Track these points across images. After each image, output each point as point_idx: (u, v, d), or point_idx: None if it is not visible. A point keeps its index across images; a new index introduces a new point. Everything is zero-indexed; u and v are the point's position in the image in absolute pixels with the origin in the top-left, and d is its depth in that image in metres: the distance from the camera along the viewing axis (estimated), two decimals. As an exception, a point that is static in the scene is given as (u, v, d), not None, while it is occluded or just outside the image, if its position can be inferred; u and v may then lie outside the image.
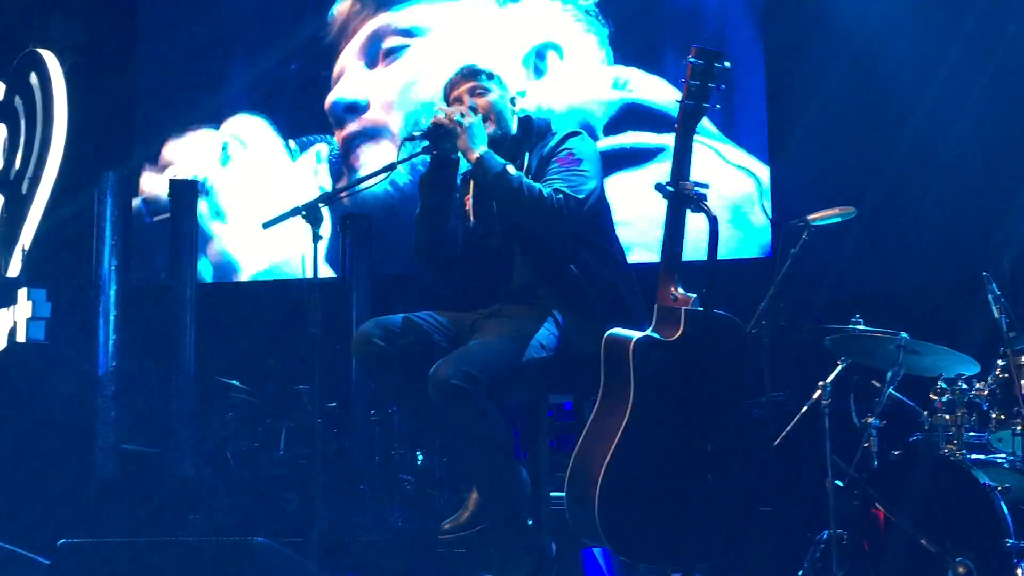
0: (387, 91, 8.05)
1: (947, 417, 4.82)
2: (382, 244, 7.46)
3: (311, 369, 4.24)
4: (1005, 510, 4.45)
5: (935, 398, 4.90)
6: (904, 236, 6.77)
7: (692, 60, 3.89)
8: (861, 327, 5.15)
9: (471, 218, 4.28)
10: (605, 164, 4.32)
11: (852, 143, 7.00)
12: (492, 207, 4.18)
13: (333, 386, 6.69)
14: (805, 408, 5.35)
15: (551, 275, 4.09)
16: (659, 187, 3.90)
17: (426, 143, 4.08)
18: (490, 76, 4.24)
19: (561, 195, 3.95)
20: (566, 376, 4.04)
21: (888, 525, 4.78)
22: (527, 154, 4.19)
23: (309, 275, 4.06)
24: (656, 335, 3.82)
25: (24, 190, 7.75)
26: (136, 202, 8.29)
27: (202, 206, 8.09)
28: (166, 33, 8.52)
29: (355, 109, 8.10)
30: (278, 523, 6.44)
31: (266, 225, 4.06)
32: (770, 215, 7.31)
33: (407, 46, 8.06)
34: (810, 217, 5.18)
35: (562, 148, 4.11)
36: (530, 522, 4.01)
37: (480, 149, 3.99)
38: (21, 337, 6.90)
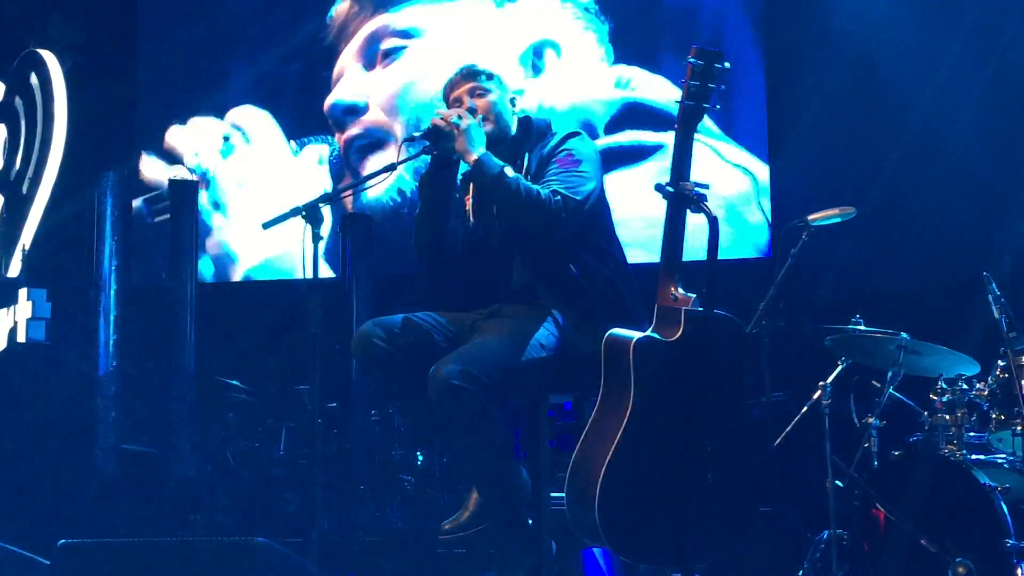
0: (386, 93, 8.05)
1: (947, 417, 4.82)
2: (382, 244, 7.47)
3: (311, 369, 4.24)
4: (1005, 510, 4.46)
5: (935, 398, 4.90)
6: (904, 236, 6.77)
7: (692, 60, 3.89)
8: (861, 327, 5.16)
9: (471, 218, 4.28)
10: (602, 162, 4.32)
11: (852, 143, 7.00)
12: (492, 208, 4.18)
13: (333, 386, 6.69)
14: (805, 408, 5.35)
15: (551, 275, 4.09)
16: (659, 187, 3.90)
17: (426, 143, 4.08)
18: (489, 76, 4.24)
19: (559, 197, 3.95)
20: (566, 376, 4.04)
21: (888, 525, 4.78)
22: (527, 154, 4.19)
23: (308, 272, 4.06)
24: (656, 335, 3.82)
25: (24, 190, 7.74)
26: (136, 202, 8.29)
27: (202, 197, 8.10)
28: (166, 33, 8.52)
29: (354, 111, 8.10)
30: (278, 523, 6.44)
31: (266, 225, 4.06)
32: (767, 214, 7.31)
33: (405, 47, 8.07)
34: (810, 217, 5.18)
35: (561, 149, 4.11)
36: (530, 522, 4.01)
37: (478, 151, 3.99)
38: (21, 337, 6.90)
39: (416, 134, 4.12)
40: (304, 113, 8.23)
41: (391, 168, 4.19)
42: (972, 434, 4.85)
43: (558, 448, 5.30)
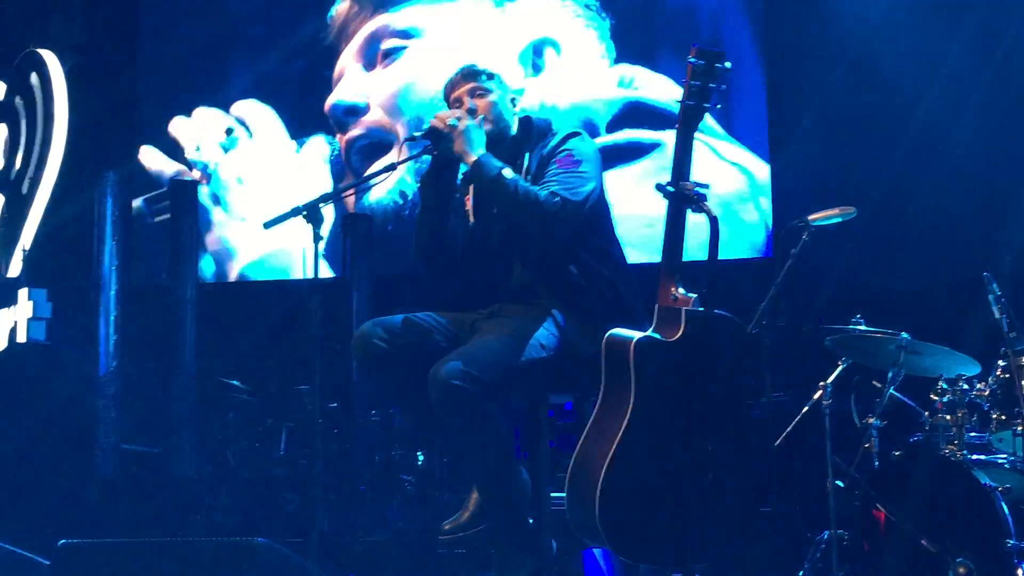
0: (386, 93, 8.04)
1: (948, 417, 4.82)
2: (383, 244, 7.47)
3: (311, 369, 4.24)
4: (1006, 510, 4.45)
5: (936, 398, 4.90)
6: (905, 236, 6.77)
7: (692, 60, 3.89)
8: (862, 327, 5.15)
9: (471, 218, 4.28)
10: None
11: (852, 143, 7.00)
12: (492, 208, 4.18)
13: (334, 386, 6.69)
14: (806, 408, 5.35)
15: (551, 275, 4.09)
16: (659, 187, 3.90)
17: (427, 144, 4.08)
18: (490, 76, 4.23)
19: (558, 198, 3.95)
20: (566, 376, 4.04)
21: (889, 525, 4.78)
22: (527, 154, 4.19)
23: (308, 272, 4.06)
24: (657, 335, 3.82)
25: (25, 190, 7.75)
26: (136, 202, 8.29)
27: (202, 191, 8.11)
28: (166, 33, 8.53)
29: (355, 112, 8.10)
30: (279, 523, 6.44)
31: (267, 225, 4.06)
32: (764, 212, 7.30)
33: (405, 47, 8.06)
34: (811, 217, 5.18)
35: (562, 149, 4.10)
36: (530, 522, 4.01)
37: (477, 152, 3.99)
38: (22, 337, 6.90)
39: (417, 134, 4.12)
40: (305, 113, 8.23)
41: (391, 168, 4.19)
42: (973, 434, 4.84)
43: (558, 448, 5.30)
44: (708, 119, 3.98)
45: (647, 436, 3.73)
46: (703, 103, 3.89)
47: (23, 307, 6.91)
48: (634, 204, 6.86)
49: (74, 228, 7.51)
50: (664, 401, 3.76)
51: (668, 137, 7.37)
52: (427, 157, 4.16)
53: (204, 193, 8.15)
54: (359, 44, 8.16)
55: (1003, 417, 4.84)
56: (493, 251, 4.21)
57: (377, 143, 8.01)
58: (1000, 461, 4.76)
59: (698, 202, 3.82)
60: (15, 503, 6.42)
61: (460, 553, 5.38)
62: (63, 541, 4.04)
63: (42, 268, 7.43)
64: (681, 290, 3.83)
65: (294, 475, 6.77)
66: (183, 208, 7.00)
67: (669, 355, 3.78)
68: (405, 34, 8.08)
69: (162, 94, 8.49)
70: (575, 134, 4.17)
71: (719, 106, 4.00)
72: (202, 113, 8.36)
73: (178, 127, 8.37)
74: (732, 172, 7.32)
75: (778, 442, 5.36)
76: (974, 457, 4.71)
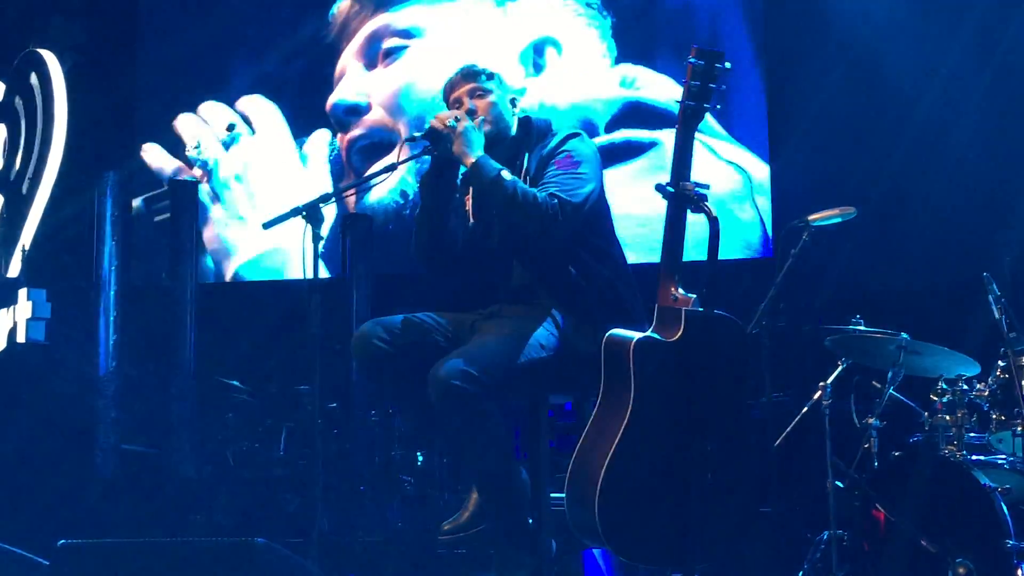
0: (387, 92, 8.04)
1: (947, 418, 4.82)
2: (384, 244, 7.47)
3: (311, 369, 4.24)
4: (1005, 511, 4.46)
5: (935, 399, 4.90)
6: (905, 236, 6.77)
7: (692, 61, 3.89)
8: (861, 328, 5.15)
9: (471, 218, 4.28)
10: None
11: (852, 143, 7.00)
12: (491, 209, 4.18)
13: (333, 386, 6.69)
14: (805, 409, 5.34)
15: (550, 276, 4.09)
16: (659, 187, 3.90)
17: (427, 144, 4.08)
18: (490, 76, 4.23)
19: (556, 200, 3.95)
20: (566, 376, 4.04)
21: (888, 526, 4.78)
22: (526, 155, 4.19)
23: (308, 272, 4.06)
24: (656, 336, 3.82)
25: (24, 190, 7.74)
26: (136, 202, 8.29)
27: (202, 188, 8.10)
28: (166, 33, 8.52)
29: (356, 111, 8.10)
30: (278, 524, 6.44)
31: (267, 225, 4.06)
32: (760, 211, 7.29)
33: (406, 47, 8.06)
34: (810, 217, 5.18)
35: (561, 150, 4.10)
36: (530, 522, 4.01)
37: (475, 154, 3.99)
38: (21, 337, 6.89)
39: (417, 134, 4.12)
40: (306, 112, 8.22)
41: (391, 168, 4.19)
42: (972, 435, 4.85)
43: (558, 448, 5.32)
44: (707, 118, 3.98)
45: (647, 436, 3.73)
46: (703, 103, 3.90)
47: (23, 307, 6.90)
48: (628, 204, 6.85)
49: (74, 228, 7.50)
50: (664, 401, 3.76)
51: (665, 136, 7.37)
52: (429, 157, 4.16)
53: (204, 190, 8.14)
54: (360, 43, 8.15)
55: (1003, 417, 4.84)
56: (493, 251, 4.21)
57: (378, 143, 8.01)
58: (1000, 461, 4.76)
59: (698, 202, 3.83)
60: (15, 503, 6.42)
61: (460, 553, 5.38)
62: (63, 541, 4.03)
63: (42, 268, 7.42)
64: (681, 290, 3.83)
65: (294, 475, 6.76)
66: (183, 208, 7.00)
67: (669, 355, 3.78)
68: (406, 33, 8.08)
69: (162, 94, 8.49)
70: (575, 135, 4.17)
71: (719, 106, 4.00)
72: (207, 108, 8.35)
73: (183, 123, 8.37)
74: (728, 171, 7.31)
75: (778, 442, 5.36)
76: (974, 457, 4.72)
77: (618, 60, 7.66)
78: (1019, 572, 4.36)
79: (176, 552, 3.99)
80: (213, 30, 8.45)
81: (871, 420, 5.10)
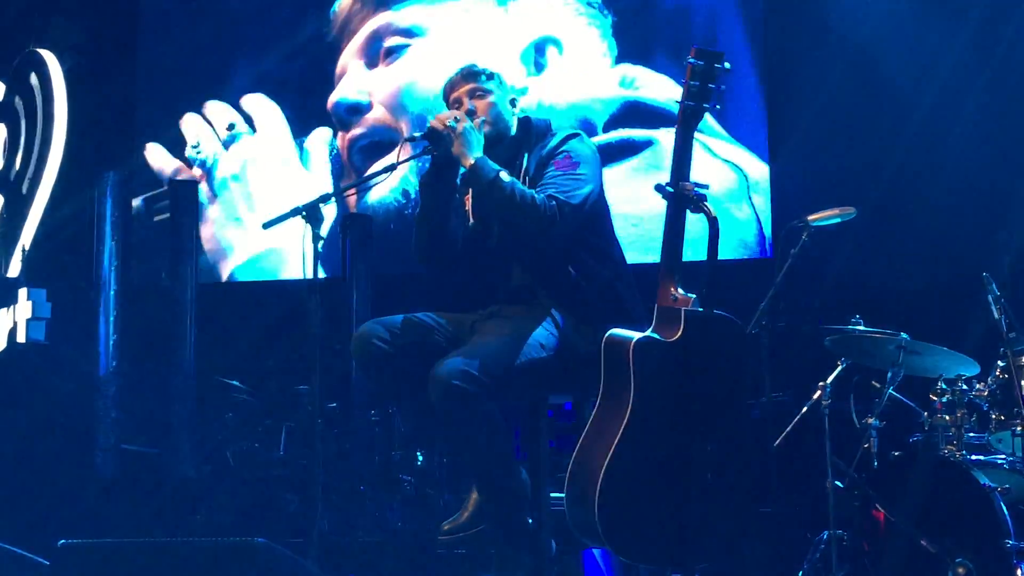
0: (389, 91, 8.04)
1: (947, 418, 4.82)
2: (384, 244, 7.47)
3: (311, 369, 4.24)
4: (1005, 511, 4.46)
5: (935, 399, 4.90)
6: (904, 236, 6.77)
7: (692, 61, 3.90)
8: (861, 328, 5.15)
9: (471, 218, 4.28)
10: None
11: (852, 143, 7.00)
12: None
13: (333, 386, 6.69)
14: (805, 409, 5.35)
15: (549, 276, 4.09)
16: (659, 188, 3.90)
17: (426, 143, 4.08)
18: (490, 76, 4.23)
19: (554, 202, 3.95)
20: (566, 376, 4.04)
21: (888, 526, 4.78)
22: (526, 155, 4.19)
23: (308, 272, 4.06)
24: (656, 336, 3.82)
25: (24, 190, 7.74)
26: (136, 202, 8.28)
27: (201, 188, 8.10)
28: (167, 33, 8.52)
29: (358, 110, 8.10)
30: (278, 524, 6.43)
31: (266, 225, 4.07)
32: (756, 210, 7.28)
33: (408, 46, 8.06)
34: (810, 217, 5.18)
35: (560, 151, 4.10)
36: (530, 522, 4.02)
37: (474, 155, 3.99)
38: (21, 337, 6.89)
39: (417, 134, 4.13)
40: (307, 112, 8.22)
41: (391, 168, 4.19)
42: (972, 435, 4.85)
43: (558, 448, 5.31)
44: (705, 116, 3.98)
45: (646, 436, 3.73)
46: (703, 103, 3.90)
47: (23, 307, 6.90)
48: (619, 203, 6.83)
49: (74, 228, 7.50)
50: (663, 401, 3.76)
51: (661, 135, 7.37)
52: (429, 156, 4.16)
53: (202, 190, 8.14)
54: (361, 42, 8.15)
55: (1002, 417, 4.85)
56: (492, 251, 4.21)
57: (379, 142, 8.00)
58: (999, 461, 4.76)
59: (698, 203, 3.83)
60: (15, 503, 6.42)
61: (460, 553, 5.38)
62: (63, 541, 4.03)
63: (42, 268, 7.42)
64: (680, 290, 3.83)
65: (294, 475, 6.76)
66: (183, 208, 7.00)
67: (668, 355, 3.78)
68: (408, 32, 8.08)
69: (162, 94, 8.48)
70: (574, 135, 4.17)
71: (718, 106, 4.00)
72: (211, 107, 8.34)
73: (187, 123, 8.36)
74: (724, 169, 7.30)
75: (778, 442, 5.36)
76: (973, 457, 4.72)
77: (618, 59, 7.65)
78: (1019, 572, 4.36)
79: (176, 552, 3.99)
80: (213, 29, 8.44)
81: (871, 420, 5.10)
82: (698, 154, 7.12)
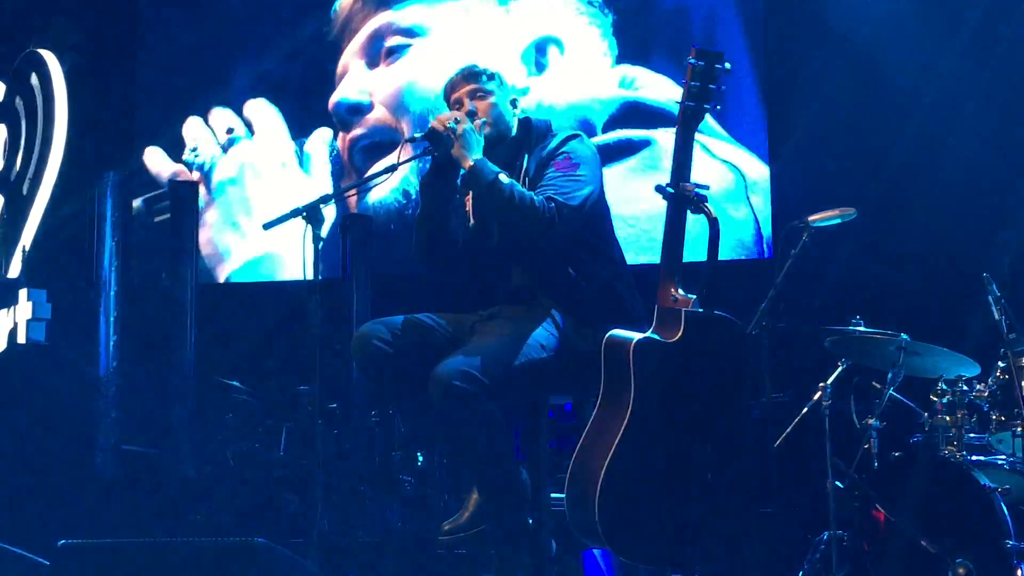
0: (390, 91, 8.03)
1: (947, 418, 4.82)
2: (384, 244, 7.46)
3: (311, 369, 4.24)
4: (1005, 511, 4.46)
5: (935, 399, 4.90)
6: (904, 237, 6.77)
7: (692, 61, 3.90)
8: (861, 328, 5.15)
9: (471, 219, 4.28)
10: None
11: (852, 143, 7.00)
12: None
13: (334, 387, 6.69)
14: (805, 409, 5.34)
15: (549, 277, 4.09)
16: (659, 188, 3.91)
17: (427, 144, 4.08)
18: (491, 77, 4.23)
19: (553, 204, 3.96)
20: (566, 377, 4.04)
21: (888, 526, 4.78)
22: (526, 156, 4.19)
23: (308, 272, 4.06)
24: (656, 336, 3.82)
25: (25, 190, 7.74)
26: (136, 202, 8.28)
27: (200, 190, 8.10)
28: (167, 33, 8.52)
29: (358, 110, 8.09)
30: (278, 524, 6.43)
31: (267, 226, 4.07)
32: (754, 209, 7.28)
33: (409, 45, 8.05)
34: (810, 218, 5.18)
35: (560, 152, 4.11)
36: (530, 522, 4.02)
37: (473, 157, 3.99)
38: (21, 338, 6.89)
39: (417, 135, 4.13)
40: (307, 112, 8.22)
41: (392, 169, 4.19)
42: (972, 435, 4.85)
43: (558, 449, 5.31)
44: (709, 118, 3.98)
45: (647, 437, 3.73)
46: (703, 104, 3.91)
47: (23, 307, 6.90)
48: (618, 204, 6.82)
49: (74, 228, 7.49)
50: (664, 402, 3.76)
51: (659, 135, 7.37)
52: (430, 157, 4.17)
53: (200, 194, 8.13)
54: (362, 41, 8.14)
55: (1003, 418, 4.84)
56: (493, 252, 4.21)
57: (380, 142, 8.00)
58: (1000, 462, 4.76)
59: (698, 203, 3.83)
60: (15, 503, 6.42)
61: (460, 553, 5.38)
62: (63, 541, 4.03)
63: (42, 268, 7.42)
64: (681, 291, 3.84)
65: (294, 475, 6.76)
66: (183, 208, 7.00)
67: (668, 356, 3.78)
68: (409, 32, 8.07)
69: (163, 94, 8.48)
70: (574, 136, 4.17)
71: (719, 107, 4.00)
72: (215, 114, 8.34)
73: (188, 127, 8.36)
74: (721, 169, 7.30)
75: (778, 442, 5.36)
76: (974, 458, 4.72)
77: (619, 59, 7.65)
78: (1019, 572, 4.36)
79: (176, 552, 4.00)
80: (214, 29, 8.44)
81: (871, 420, 5.10)
82: (696, 154, 7.15)
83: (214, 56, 8.41)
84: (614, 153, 7.39)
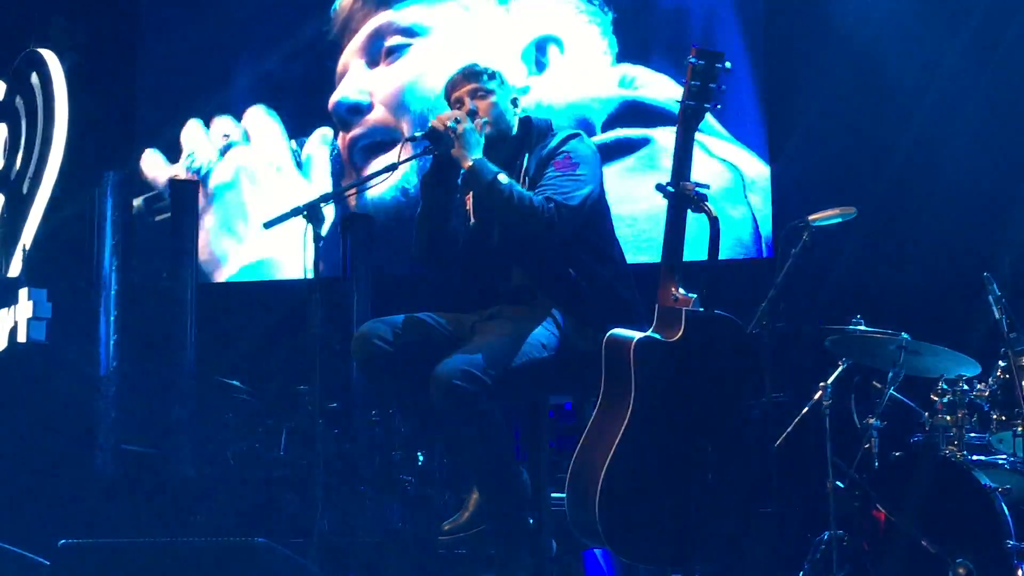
0: (390, 90, 8.03)
1: (948, 418, 4.82)
2: (384, 244, 7.46)
3: (311, 369, 4.24)
4: (1006, 511, 4.46)
5: (936, 399, 4.90)
6: (905, 236, 6.77)
7: (693, 60, 3.89)
8: (862, 328, 5.15)
9: (471, 218, 4.28)
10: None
11: (852, 143, 6.99)
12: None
13: (334, 386, 6.69)
14: (806, 409, 5.34)
15: (549, 277, 4.09)
16: (660, 187, 3.90)
17: (427, 143, 4.08)
18: (491, 76, 4.23)
19: (553, 204, 3.95)
20: (567, 376, 4.04)
21: (889, 526, 4.78)
22: (526, 155, 4.19)
23: (304, 269, 4.06)
24: (657, 336, 3.82)
25: (25, 190, 7.74)
26: (136, 202, 8.28)
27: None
28: (167, 33, 8.51)
29: (359, 110, 8.09)
30: (279, 524, 6.43)
31: (267, 225, 4.07)
32: (752, 208, 7.27)
33: (409, 45, 8.05)
34: (811, 217, 5.17)
35: (560, 151, 4.10)
36: (530, 522, 4.01)
37: (473, 157, 3.99)
38: (22, 337, 6.89)
39: (418, 134, 4.13)
40: (307, 111, 8.21)
41: (392, 168, 4.19)
42: (973, 435, 4.85)
43: (558, 448, 5.31)
44: (709, 118, 3.98)
45: (647, 436, 3.73)
46: (703, 103, 3.90)
47: (23, 307, 6.90)
48: (616, 203, 6.81)
49: (74, 228, 7.49)
50: (664, 401, 3.76)
51: (658, 133, 7.36)
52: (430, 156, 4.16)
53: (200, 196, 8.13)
54: (362, 41, 8.14)
55: (1003, 418, 4.84)
56: (493, 251, 4.21)
57: (380, 141, 7.99)
58: (1000, 462, 4.76)
59: (698, 203, 3.83)
60: (15, 503, 6.42)
61: (460, 553, 5.37)
62: (63, 541, 4.03)
63: (42, 268, 7.42)
64: (681, 290, 3.83)
65: (294, 475, 6.76)
66: (183, 208, 7.00)
67: (669, 355, 3.78)
68: (409, 31, 8.07)
69: (163, 93, 8.48)
70: (574, 135, 4.17)
71: (719, 106, 4.00)
72: (216, 122, 8.34)
73: (185, 132, 8.35)
74: (720, 168, 7.29)
75: (778, 442, 5.35)
76: (974, 458, 4.72)
77: (619, 58, 7.64)
78: (1019, 572, 4.36)
79: (176, 552, 4.00)
80: (214, 29, 8.44)
81: (871, 420, 5.10)
82: (694, 153, 7.15)
83: (214, 56, 8.41)
84: (612, 152, 7.38)
